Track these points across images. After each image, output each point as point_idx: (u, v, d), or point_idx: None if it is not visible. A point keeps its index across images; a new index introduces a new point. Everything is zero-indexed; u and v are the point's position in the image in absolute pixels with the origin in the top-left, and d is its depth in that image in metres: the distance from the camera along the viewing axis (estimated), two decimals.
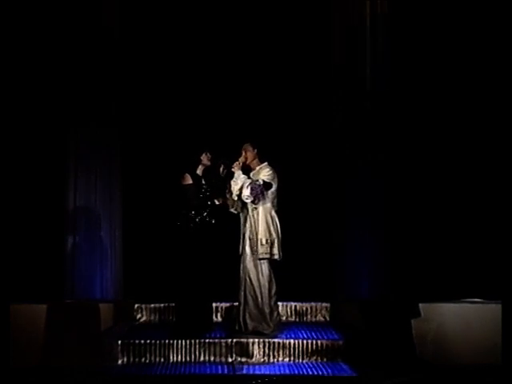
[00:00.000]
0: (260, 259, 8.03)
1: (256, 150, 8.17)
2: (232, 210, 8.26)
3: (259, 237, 8.03)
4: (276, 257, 8.07)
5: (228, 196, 8.17)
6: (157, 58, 9.33)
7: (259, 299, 8.04)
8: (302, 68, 9.39)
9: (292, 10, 9.32)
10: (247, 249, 8.08)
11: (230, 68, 9.39)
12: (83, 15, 8.93)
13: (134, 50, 9.26)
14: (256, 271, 8.06)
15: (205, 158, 8.17)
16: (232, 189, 8.09)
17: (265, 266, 8.07)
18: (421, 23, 8.90)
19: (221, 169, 8.15)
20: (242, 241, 8.15)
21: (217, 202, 8.20)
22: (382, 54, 9.00)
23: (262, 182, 7.99)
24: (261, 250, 8.02)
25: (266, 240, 8.05)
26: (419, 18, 8.91)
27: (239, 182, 8.03)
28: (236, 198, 8.12)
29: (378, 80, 8.98)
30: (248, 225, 8.10)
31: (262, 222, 8.07)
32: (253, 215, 8.09)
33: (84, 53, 8.95)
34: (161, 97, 9.41)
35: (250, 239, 8.07)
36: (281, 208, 8.25)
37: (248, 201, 8.00)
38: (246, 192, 7.94)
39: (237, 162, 8.09)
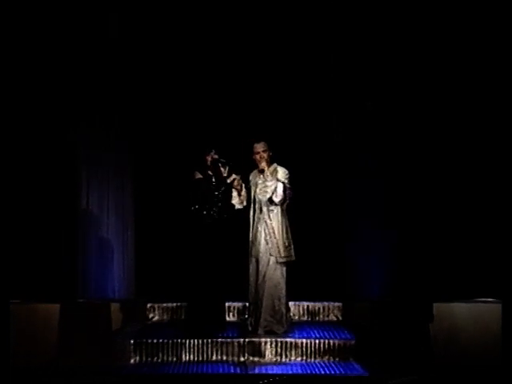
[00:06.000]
0: (282, 263, 8.04)
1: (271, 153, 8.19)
2: (239, 206, 8.24)
3: (282, 240, 8.04)
4: (294, 258, 8.11)
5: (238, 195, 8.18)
6: (166, 60, 9.31)
7: (276, 300, 8.04)
8: (302, 68, 9.35)
9: (295, 10, 9.31)
10: (262, 250, 8.08)
11: (231, 70, 9.34)
12: (92, 27, 8.95)
13: (143, 52, 9.21)
14: (274, 273, 8.05)
15: (208, 159, 8.19)
16: (268, 190, 8.04)
17: (284, 268, 8.08)
18: (423, 25, 8.86)
19: (235, 181, 8.12)
20: (253, 242, 8.14)
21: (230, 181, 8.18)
22: (383, 54, 8.98)
23: (288, 185, 8.01)
24: (284, 253, 8.04)
25: (289, 243, 8.08)
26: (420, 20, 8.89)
27: (274, 184, 8.02)
28: (265, 200, 8.10)
29: (378, 79, 8.96)
30: (263, 227, 8.09)
31: (281, 225, 8.08)
32: (269, 217, 8.09)
33: (93, 60, 8.96)
34: (171, 97, 9.39)
35: (266, 241, 8.07)
36: (292, 208, 8.25)
37: (279, 204, 8.00)
38: (282, 196, 7.95)
39: (263, 164, 8.05)
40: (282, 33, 9.25)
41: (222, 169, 8.16)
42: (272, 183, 8.03)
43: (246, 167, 8.32)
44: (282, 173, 8.14)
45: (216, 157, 8.14)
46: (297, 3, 9.20)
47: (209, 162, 8.17)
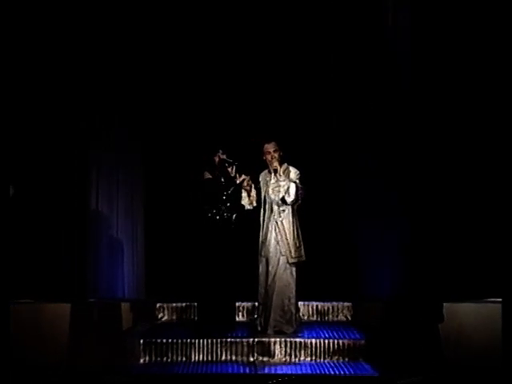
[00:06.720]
0: (293, 263, 8.04)
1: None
2: (249, 207, 8.25)
3: (293, 241, 8.04)
4: (304, 258, 8.12)
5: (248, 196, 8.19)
6: (178, 62, 9.35)
7: (286, 300, 8.04)
8: (302, 68, 9.36)
9: (296, 12, 9.31)
10: (272, 250, 8.08)
11: (232, 72, 9.40)
12: (108, 27, 8.97)
13: (156, 53, 9.26)
14: (284, 273, 8.06)
15: (216, 159, 8.21)
16: (281, 189, 8.03)
17: (294, 268, 8.08)
18: (422, 24, 8.82)
19: (244, 181, 8.13)
20: (263, 242, 8.14)
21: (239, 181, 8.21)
22: (382, 53, 8.96)
23: (300, 185, 8.01)
24: (295, 253, 8.04)
25: (299, 243, 8.08)
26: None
27: (287, 184, 8.01)
28: (277, 199, 8.09)
29: (377, 79, 8.95)
30: (274, 227, 8.09)
31: (292, 225, 8.08)
32: (280, 217, 8.09)
33: (106, 60, 8.95)
34: (181, 97, 9.43)
35: (277, 242, 8.07)
36: (303, 208, 8.24)
37: (291, 204, 8.01)
38: (295, 196, 7.95)
39: (276, 164, 8.05)
40: (283, 33, 9.29)
41: (228, 169, 8.18)
42: (284, 183, 8.03)
43: (255, 167, 8.31)
44: (293, 173, 8.15)
45: (223, 157, 8.16)
46: (298, 4, 9.22)
47: (216, 162, 8.19)
